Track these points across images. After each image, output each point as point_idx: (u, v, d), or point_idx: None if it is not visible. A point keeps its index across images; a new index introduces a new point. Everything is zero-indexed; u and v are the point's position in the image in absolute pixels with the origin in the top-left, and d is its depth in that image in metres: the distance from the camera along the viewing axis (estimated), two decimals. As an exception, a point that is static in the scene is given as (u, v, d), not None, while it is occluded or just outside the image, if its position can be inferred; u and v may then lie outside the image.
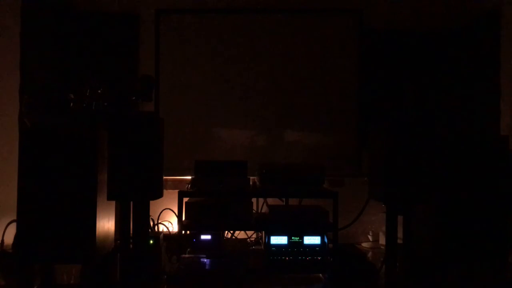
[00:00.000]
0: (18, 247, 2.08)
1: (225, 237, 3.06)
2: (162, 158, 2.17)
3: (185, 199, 2.68)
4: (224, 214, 2.63)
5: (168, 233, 3.06)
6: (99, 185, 2.11)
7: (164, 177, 2.22)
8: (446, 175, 2.06)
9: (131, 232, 2.10)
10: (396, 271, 2.14)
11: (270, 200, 3.21)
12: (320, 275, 2.56)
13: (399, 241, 2.17)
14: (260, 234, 3.14)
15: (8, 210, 2.38)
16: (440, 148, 2.08)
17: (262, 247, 2.85)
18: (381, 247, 3.17)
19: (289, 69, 3.38)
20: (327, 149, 3.36)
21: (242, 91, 3.37)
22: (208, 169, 2.70)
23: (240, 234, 3.22)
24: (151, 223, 2.94)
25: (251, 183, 2.79)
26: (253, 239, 3.22)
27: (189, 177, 2.90)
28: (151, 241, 2.45)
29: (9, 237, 2.46)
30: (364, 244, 3.32)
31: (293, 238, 2.52)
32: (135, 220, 2.09)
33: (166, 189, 2.67)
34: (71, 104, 2.43)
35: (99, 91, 2.44)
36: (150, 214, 2.37)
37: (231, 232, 3.13)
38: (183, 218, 2.65)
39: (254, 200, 3.00)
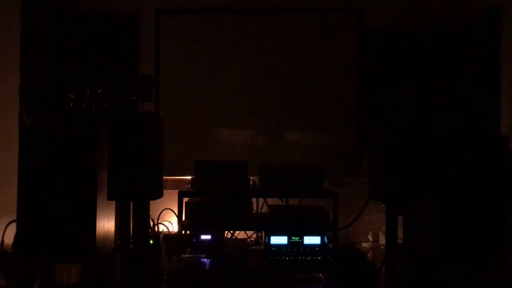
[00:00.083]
0: (18, 247, 2.09)
1: (225, 237, 3.06)
2: (162, 158, 2.17)
3: (185, 199, 2.68)
4: (224, 214, 2.63)
5: (168, 233, 3.06)
6: (99, 185, 2.11)
7: (164, 177, 2.22)
8: (446, 175, 2.07)
9: (131, 232, 2.10)
10: (396, 271, 2.13)
11: (270, 200, 3.21)
12: (320, 275, 2.56)
13: (399, 241, 2.16)
14: (260, 234, 3.14)
15: (8, 210, 2.38)
16: (440, 148, 2.08)
17: (262, 247, 2.85)
18: (381, 247, 3.17)
19: (289, 69, 3.38)
20: (327, 149, 3.36)
21: (242, 91, 3.37)
22: (208, 169, 2.70)
23: (240, 234, 3.22)
24: (151, 223, 2.93)
25: (251, 183, 2.79)
26: (253, 239, 3.22)
27: (189, 177, 2.90)
28: (151, 241, 2.45)
29: (9, 237, 2.47)
30: (364, 244, 3.32)
31: (293, 238, 2.52)
32: (135, 220, 2.09)
33: (166, 189, 2.68)
34: (71, 104, 2.43)
35: (99, 91, 2.44)
36: (150, 214, 2.38)
37: (231, 232, 3.13)
38: (183, 218, 2.65)
39: (254, 200, 3.00)
